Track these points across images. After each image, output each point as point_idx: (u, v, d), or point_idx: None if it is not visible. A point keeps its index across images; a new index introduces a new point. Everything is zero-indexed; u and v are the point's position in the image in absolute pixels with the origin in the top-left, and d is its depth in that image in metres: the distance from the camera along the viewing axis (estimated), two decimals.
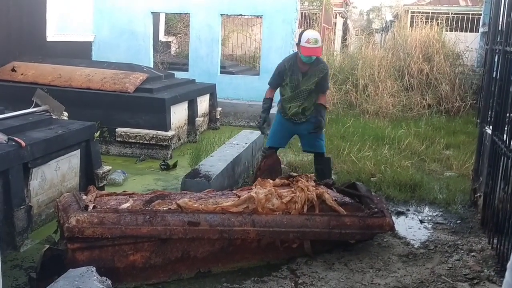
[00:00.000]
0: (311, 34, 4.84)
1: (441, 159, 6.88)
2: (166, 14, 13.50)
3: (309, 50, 4.79)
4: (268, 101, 5.17)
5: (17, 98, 5.41)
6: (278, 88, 5.18)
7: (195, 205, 3.51)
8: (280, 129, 5.24)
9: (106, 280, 2.75)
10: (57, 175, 4.46)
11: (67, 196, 3.61)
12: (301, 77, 4.97)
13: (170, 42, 14.40)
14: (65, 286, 2.60)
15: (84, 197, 3.58)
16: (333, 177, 5.89)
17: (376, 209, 4.03)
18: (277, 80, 5.11)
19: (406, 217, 4.98)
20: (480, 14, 14.11)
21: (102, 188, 4.89)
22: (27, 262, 3.63)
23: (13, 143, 3.84)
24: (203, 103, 8.55)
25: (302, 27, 13.26)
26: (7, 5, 7.57)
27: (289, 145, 7.39)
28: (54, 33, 8.80)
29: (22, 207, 3.84)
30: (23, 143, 3.87)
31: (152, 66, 9.98)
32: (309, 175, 4.32)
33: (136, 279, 3.34)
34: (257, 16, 11.52)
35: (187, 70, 10.26)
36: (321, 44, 4.86)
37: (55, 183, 4.43)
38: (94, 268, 2.83)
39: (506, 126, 4.10)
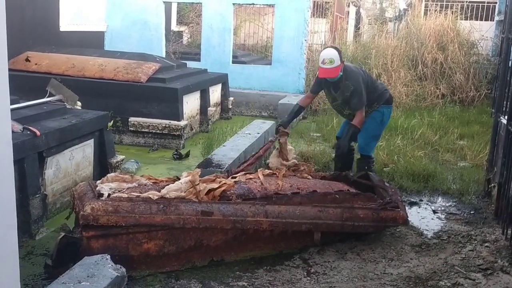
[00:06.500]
0: (325, 53, 4.76)
1: (455, 149, 6.82)
2: (178, 3, 13.47)
3: (322, 71, 4.79)
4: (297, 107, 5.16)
5: (31, 88, 5.44)
6: None
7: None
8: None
9: (120, 267, 2.79)
10: (72, 164, 4.51)
11: (82, 185, 3.64)
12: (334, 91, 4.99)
13: (182, 31, 14.37)
14: (80, 273, 2.65)
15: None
16: None
17: (389, 201, 4.01)
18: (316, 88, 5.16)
19: (419, 207, 4.96)
20: (496, 2, 13.88)
21: None
22: (42, 249, 3.68)
23: (28, 132, 3.88)
24: (215, 93, 8.55)
25: (315, 16, 13.14)
26: None
27: (301, 135, 7.40)
28: (67, 23, 8.84)
29: (37, 195, 3.89)
30: (38, 132, 3.91)
31: (164, 56, 9.99)
32: (308, 164, 4.38)
33: (150, 267, 3.37)
34: (270, 5, 11.44)
35: (199, 59, 10.25)
36: (337, 64, 4.70)
37: (69, 172, 4.47)
38: (109, 256, 2.87)
39: None
